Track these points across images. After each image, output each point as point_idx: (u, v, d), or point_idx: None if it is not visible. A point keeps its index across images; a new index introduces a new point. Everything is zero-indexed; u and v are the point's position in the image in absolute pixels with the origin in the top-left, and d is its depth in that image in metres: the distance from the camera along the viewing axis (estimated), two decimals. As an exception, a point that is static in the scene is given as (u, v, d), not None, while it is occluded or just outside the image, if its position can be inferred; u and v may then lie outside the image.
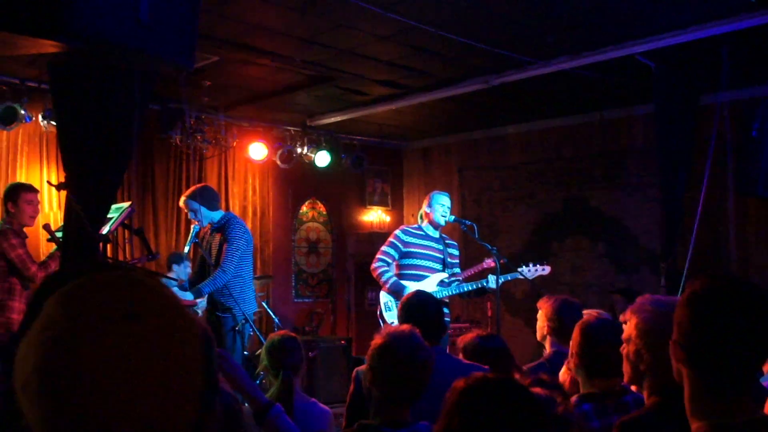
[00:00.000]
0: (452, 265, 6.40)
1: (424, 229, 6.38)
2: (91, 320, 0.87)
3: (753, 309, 1.71)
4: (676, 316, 1.79)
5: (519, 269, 6.43)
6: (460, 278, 6.45)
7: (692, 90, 6.74)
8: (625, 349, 2.44)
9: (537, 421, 1.83)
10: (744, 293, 1.73)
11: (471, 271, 6.80)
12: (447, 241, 6.44)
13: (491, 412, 1.82)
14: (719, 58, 6.35)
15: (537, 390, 2.31)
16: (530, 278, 6.47)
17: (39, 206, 6.17)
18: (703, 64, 6.63)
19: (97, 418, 0.85)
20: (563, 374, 3.54)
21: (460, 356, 3.88)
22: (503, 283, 6.22)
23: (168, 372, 0.90)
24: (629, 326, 2.43)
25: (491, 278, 6.21)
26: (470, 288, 6.28)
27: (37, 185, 6.75)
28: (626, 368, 2.44)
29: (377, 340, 2.77)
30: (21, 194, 5.91)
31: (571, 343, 2.96)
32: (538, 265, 6.53)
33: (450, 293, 6.27)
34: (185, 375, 0.93)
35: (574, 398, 2.82)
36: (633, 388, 2.51)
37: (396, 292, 6.06)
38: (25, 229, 6.01)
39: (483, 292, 6.35)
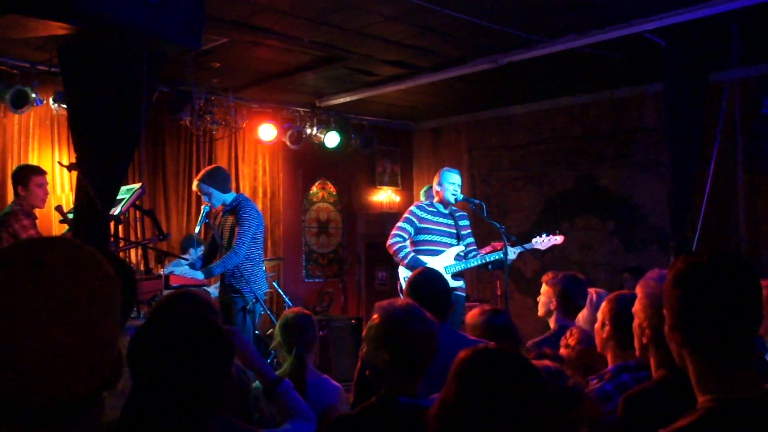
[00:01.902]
0: (465, 236, 6.44)
1: (436, 206, 6.43)
2: (3, 266, 1.05)
3: (737, 279, 1.74)
4: (666, 301, 1.81)
5: (533, 240, 6.45)
6: (475, 249, 6.48)
7: (702, 67, 6.69)
8: (635, 323, 2.48)
9: (534, 391, 1.86)
10: (726, 265, 1.76)
11: (482, 252, 6.82)
12: (456, 214, 6.47)
13: (487, 380, 1.85)
14: (729, 35, 6.31)
15: (547, 363, 2.33)
16: (543, 249, 6.48)
17: (48, 188, 6.24)
18: (712, 41, 6.58)
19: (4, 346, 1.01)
20: (563, 350, 3.57)
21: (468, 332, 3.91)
22: (513, 260, 6.24)
23: (72, 312, 1.04)
24: (636, 300, 2.48)
25: (507, 250, 6.21)
26: (488, 260, 6.30)
27: (48, 168, 6.82)
28: (635, 342, 2.49)
29: (378, 317, 2.77)
30: (31, 177, 5.97)
31: (600, 315, 2.99)
32: (551, 235, 6.54)
33: (467, 266, 6.30)
34: (92, 316, 1.06)
35: (609, 368, 2.85)
36: None
37: (415, 267, 6.09)
38: (36, 211, 6.07)
39: (502, 265, 6.34)
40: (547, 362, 2.36)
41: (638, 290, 2.48)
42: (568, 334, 3.47)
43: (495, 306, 8.41)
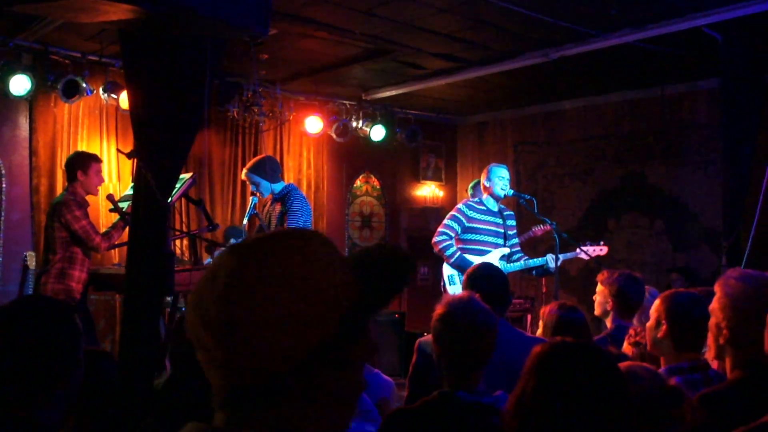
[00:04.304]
0: (511, 237, 6.37)
1: (485, 202, 6.35)
2: (236, 254, 1.17)
3: None
4: None
5: (577, 248, 6.36)
6: (520, 251, 6.42)
7: (760, 63, 6.54)
8: (711, 321, 2.41)
9: (615, 385, 1.79)
10: None
11: (522, 239, 6.75)
12: (505, 213, 6.40)
13: (567, 374, 1.80)
14: (789, 31, 6.17)
15: (644, 364, 2.27)
16: (587, 258, 6.40)
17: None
18: (772, 36, 6.44)
19: (251, 326, 1.11)
20: (626, 349, 3.50)
21: (540, 328, 3.85)
22: (556, 267, 6.15)
23: (300, 302, 1.12)
24: (714, 299, 2.40)
25: (550, 258, 6.15)
26: (532, 265, 6.23)
27: (97, 157, 6.89)
28: (710, 341, 2.41)
29: (438, 309, 2.78)
30: (92, 164, 6.11)
31: (655, 313, 2.91)
32: (595, 246, 6.45)
33: (512, 269, 6.23)
34: (304, 301, 1.13)
35: (662, 370, 2.77)
36: (714, 364, 2.47)
37: (461, 266, 6.02)
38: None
39: (546, 272, 6.29)
40: (644, 363, 2.30)
41: (717, 289, 2.40)
42: (632, 332, 3.40)
43: (540, 304, 8.33)
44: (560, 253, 6.20)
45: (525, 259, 6.31)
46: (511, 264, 6.25)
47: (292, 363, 1.12)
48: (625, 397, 1.77)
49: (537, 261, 6.27)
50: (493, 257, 6.16)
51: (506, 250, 6.27)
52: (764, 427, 1.66)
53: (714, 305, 2.40)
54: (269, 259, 1.15)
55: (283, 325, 1.11)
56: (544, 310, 3.91)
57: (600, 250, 6.46)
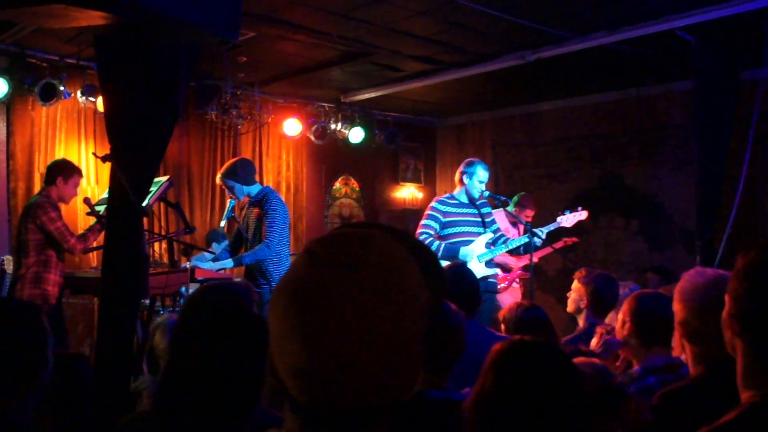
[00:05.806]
0: (490, 223, 6.42)
1: (457, 196, 6.40)
2: (319, 266, 1.08)
3: None
4: (731, 288, 1.77)
5: (558, 218, 6.46)
6: (503, 234, 6.48)
7: (734, 65, 6.62)
8: (675, 319, 2.47)
9: (569, 382, 1.84)
10: None
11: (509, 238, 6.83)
12: (478, 202, 6.44)
13: (523, 371, 1.85)
14: (762, 33, 6.23)
15: (594, 361, 2.32)
16: (569, 226, 6.48)
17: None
18: (745, 38, 6.51)
19: (316, 338, 1.05)
20: (595, 346, 3.56)
21: (503, 328, 3.89)
22: (538, 258, 6.22)
23: (380, 320, 1.06)
24: (674, 297, 2.46)
25: (530, 235, 6.18)
26: (518, 243, 6.30)
27: (75, 161, 6.89)
28: (675, 338, 2.47)
29: None
30: (74, 175, 6.15)
31: (622, 315, 2.98)
32: (575, 212, 6.54)
33: (500, 251, 6.29)
34: (396, 325, 1.07)
35: (636, 369, 2.84)
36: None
37: (450, 257, 6.05)
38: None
39: (534, 248, 6.30)
40: (594, 360, 2.35)
41: (677, 287, 2.46)
42: (602, 330, 3.46)
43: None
44: (547, 225, 6.31)
45: (509, 242, 6.37)
46: (497, 247, 6.31)
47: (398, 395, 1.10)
48: (578, 394, 1.82)
49: (518, 240, 6.35)
50: (479, 244, 6.20)
51: (489, 236, 6.31)
52: (727, 427, 1.69)
53: (675, 303, 2.46)
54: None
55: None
56: (504, 311, 3.97)
57: (580, 214, 6.55)
